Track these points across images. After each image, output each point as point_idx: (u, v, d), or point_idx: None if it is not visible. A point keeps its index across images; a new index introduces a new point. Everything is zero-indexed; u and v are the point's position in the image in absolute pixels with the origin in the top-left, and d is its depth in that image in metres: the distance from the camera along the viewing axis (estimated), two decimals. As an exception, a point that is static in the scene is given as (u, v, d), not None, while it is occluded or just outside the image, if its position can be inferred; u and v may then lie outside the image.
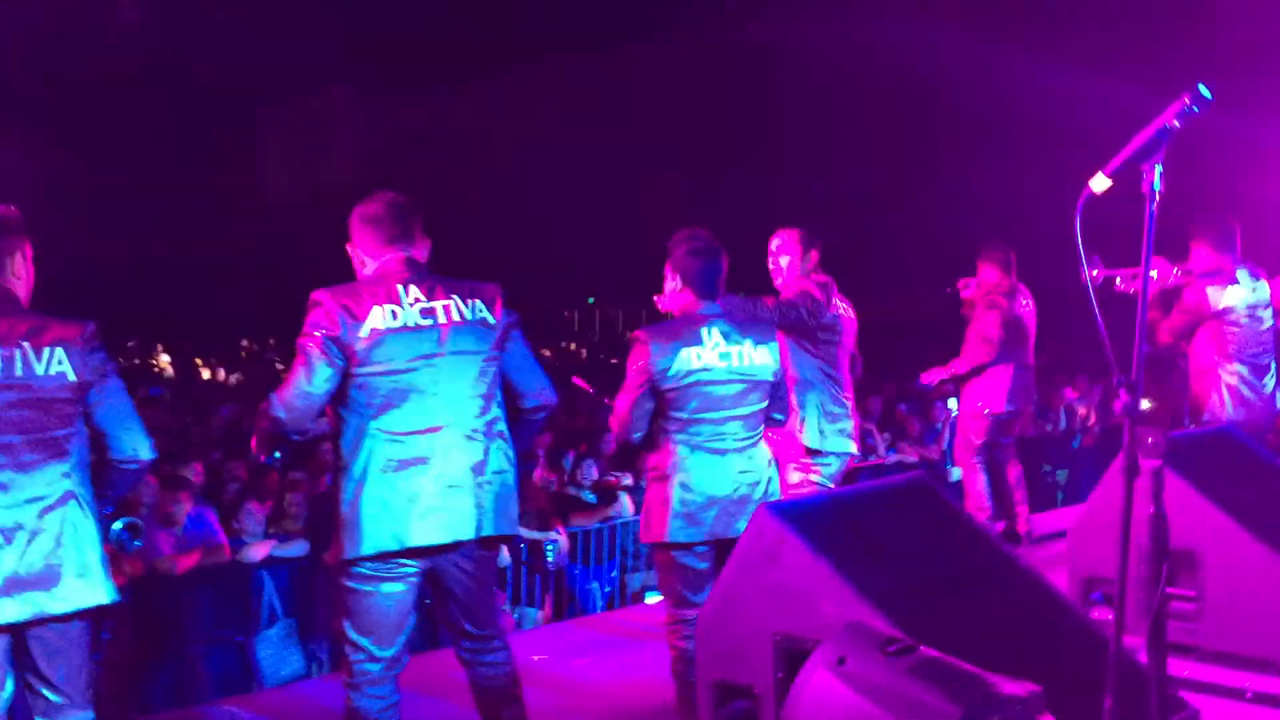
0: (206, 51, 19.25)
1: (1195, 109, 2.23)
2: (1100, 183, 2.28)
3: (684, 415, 3.76)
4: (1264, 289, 5.51)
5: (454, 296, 3.30)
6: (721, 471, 3.75)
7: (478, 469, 3.25)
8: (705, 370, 3.75)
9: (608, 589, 8.47)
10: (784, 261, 5.21)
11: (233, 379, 18.62)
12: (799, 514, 2.72)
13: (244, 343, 22.53)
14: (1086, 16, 14.91)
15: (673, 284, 3.96)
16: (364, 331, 3.16)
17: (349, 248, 3.46)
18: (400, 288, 3.24)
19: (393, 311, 3.20)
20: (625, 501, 8.60)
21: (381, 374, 3.18)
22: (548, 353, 20.51)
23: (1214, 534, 3.47)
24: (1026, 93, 14.82)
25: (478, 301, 3.33)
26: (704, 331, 3.80)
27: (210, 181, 25.89)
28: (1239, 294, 5.38)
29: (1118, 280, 6.76)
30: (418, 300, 3.25)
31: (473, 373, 3.28)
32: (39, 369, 2.98)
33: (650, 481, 3.86)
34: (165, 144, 24.88)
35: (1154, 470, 2.19)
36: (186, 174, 25.28)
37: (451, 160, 22.86)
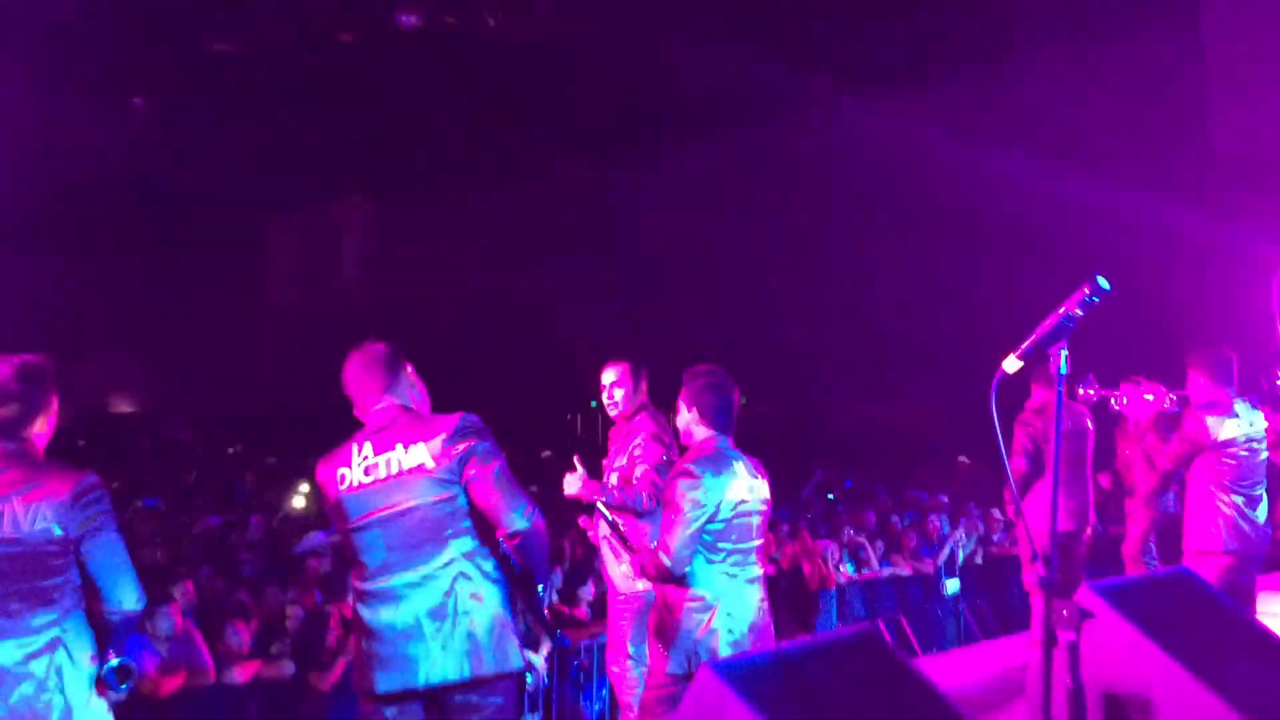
0: (212, 163, 19.72)
1: (1095, 299, 2.37)
2: (1012, 364, 2.42)
3: (728, 546, 3.96)
4: (1260, 421, 5.60)
5: None
6: (751, 600, 4.00)
7: None
8: (743, 502, 4.00)
9: (597, 706, 8.44)
10: (619, 394, 5.21)
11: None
12: (742, 673, 2.78)
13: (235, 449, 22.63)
14: (1082, 121, 15.24)
15: (688, 416, 4.17)
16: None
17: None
18: None
19: None
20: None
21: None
22: (548, 453, 20.60)
23: (1166, 680, 3.49)
24: (1019, 197, 15.13)
25: None
26: (735, 465, 4.04)
27: (217, 292, 26.38)
28: (1237, 426, 5.46)
29: (1112, 400, 6.85)
30: None
31: None
32: (25, 524, 3.18)
33: (686, 610, 3.93)
34: (171, 256, 25.40)
35: (1069, 644, 2.27)
36: (193, 285, 25.79)
37: (454, 266, 23.24)
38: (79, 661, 3.23)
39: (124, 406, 26.62)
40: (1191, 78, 14.59)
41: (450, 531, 3.44)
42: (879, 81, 15.79)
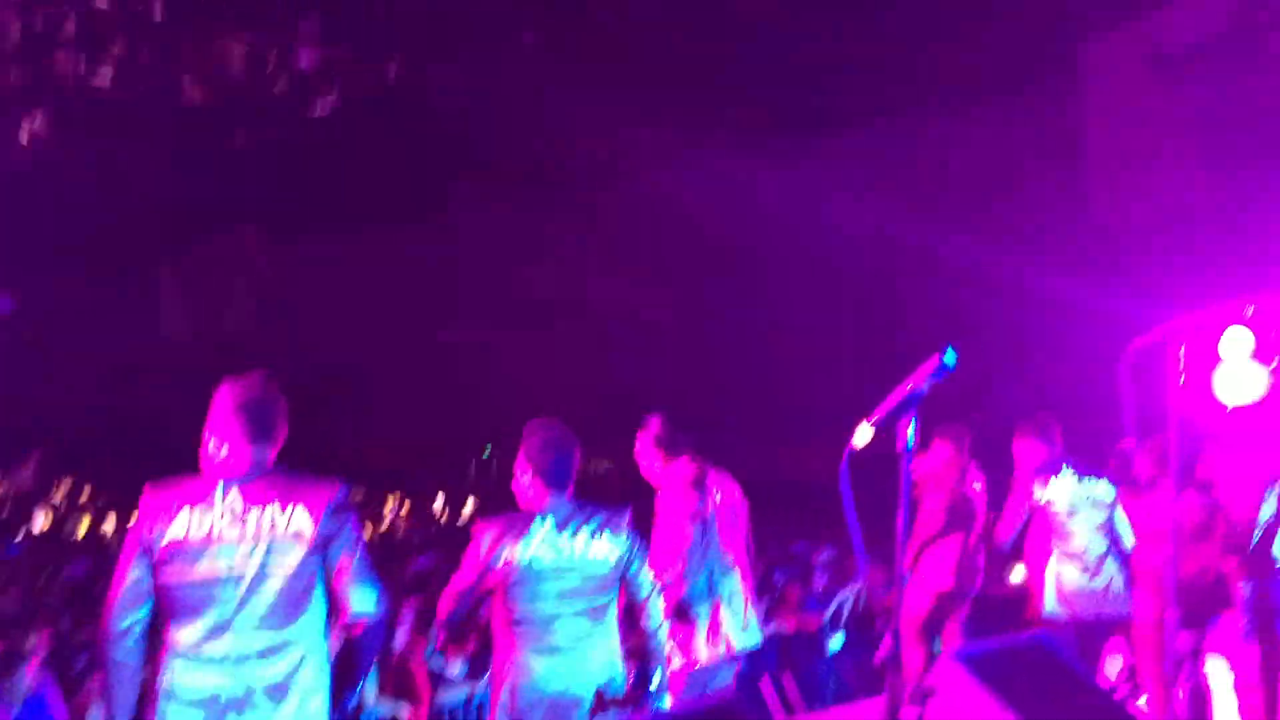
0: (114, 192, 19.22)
1: (942, 373, 2.38)
2: (864, 435, 2.40)
3: (517, 612, 3.77)
4: (1101, 487, 5.69)
5: None
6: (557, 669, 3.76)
7: None
8: (536, 560, 3.77)
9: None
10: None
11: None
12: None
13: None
14: (964, 183, 15.66)
15: (525, 477, 3.99)
16: None
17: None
18: None
19: None
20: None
21: None
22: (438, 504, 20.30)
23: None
24: (902, 257, 15.46)
25: None
26: (537, 521, 3.84)
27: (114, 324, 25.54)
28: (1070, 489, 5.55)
29: None
30: None
31: None
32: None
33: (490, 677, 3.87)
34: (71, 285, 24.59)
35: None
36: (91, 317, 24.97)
37: (351, 301, 22.91)
38: None
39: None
40: (1071, 142, 15.12)
41: (308, 604, 3.27)
42: (766, 140, 16.04)
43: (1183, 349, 2.86)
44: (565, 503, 3.95)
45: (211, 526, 3.21)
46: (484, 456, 24.38)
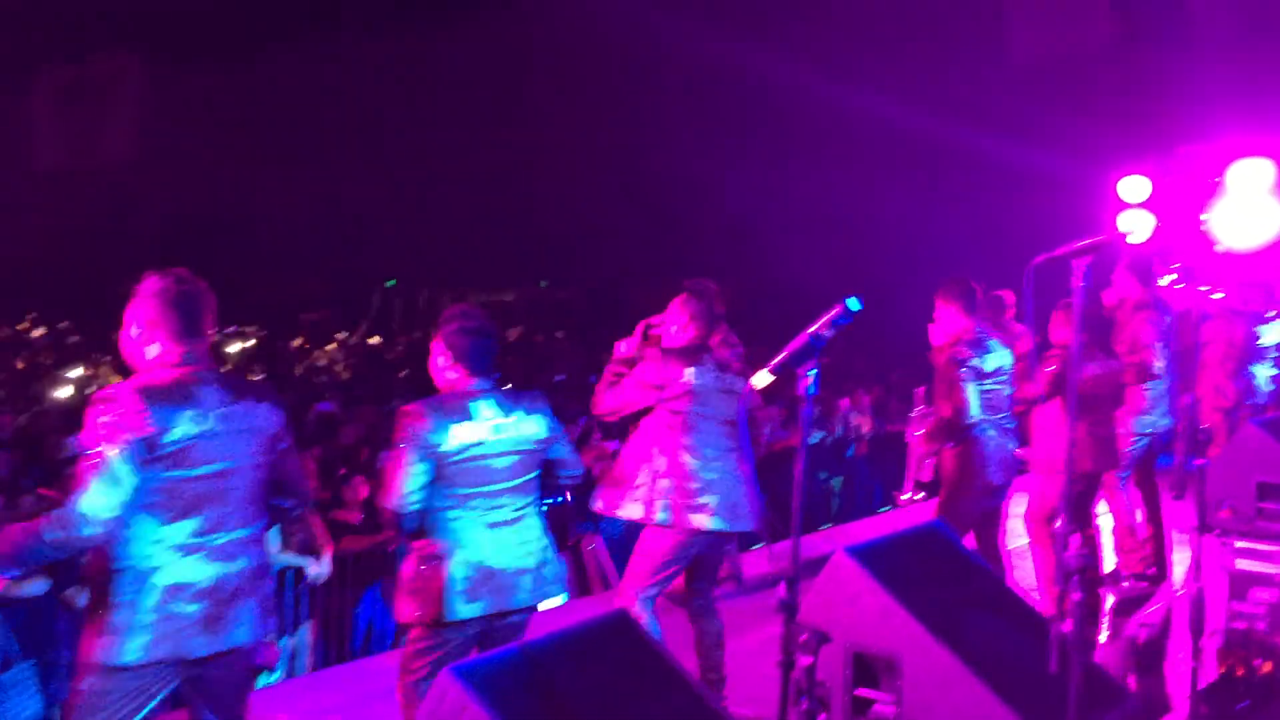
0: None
1: (845, 320, 2.30)
2: (762, 379, 2.34)
3: (461, 490, 3.80)
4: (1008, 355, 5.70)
5: None
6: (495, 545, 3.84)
7: None
8: (479, 444, 3.82)
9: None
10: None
11: None
12: (483, 676, 2.68)
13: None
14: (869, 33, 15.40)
15: (442, 360, 3.97)
16: None
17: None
18: None
19: None
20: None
21: None
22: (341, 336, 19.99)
23: (909, 641, 3.60)
24: (802, 101, 15.29)
25: None
26: (473, 406, 3.86)
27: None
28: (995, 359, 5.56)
29: None
30: None
31: None
32: None
33: (423, 559, 3.81)
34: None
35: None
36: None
37: (235, 133, 21.95)
38: None
39: None
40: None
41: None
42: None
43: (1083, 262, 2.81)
44: (491, 387, 3.98)
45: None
46: (387, 285, 24.04)
